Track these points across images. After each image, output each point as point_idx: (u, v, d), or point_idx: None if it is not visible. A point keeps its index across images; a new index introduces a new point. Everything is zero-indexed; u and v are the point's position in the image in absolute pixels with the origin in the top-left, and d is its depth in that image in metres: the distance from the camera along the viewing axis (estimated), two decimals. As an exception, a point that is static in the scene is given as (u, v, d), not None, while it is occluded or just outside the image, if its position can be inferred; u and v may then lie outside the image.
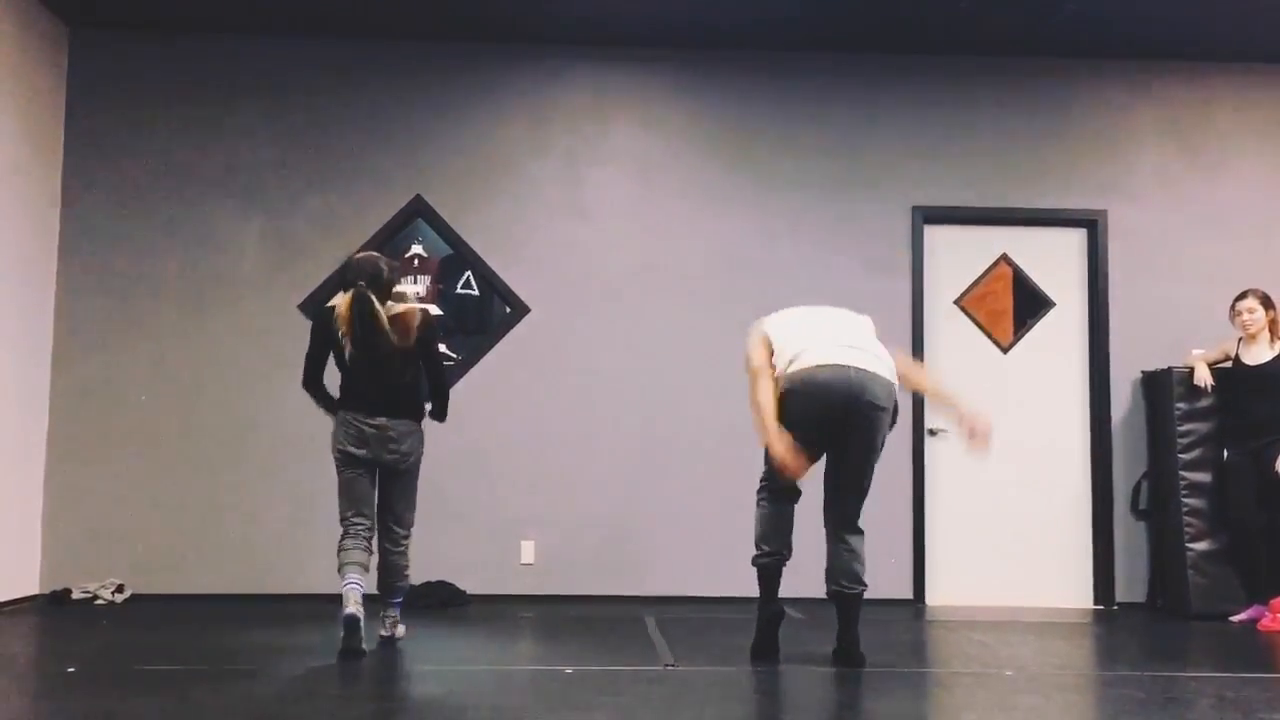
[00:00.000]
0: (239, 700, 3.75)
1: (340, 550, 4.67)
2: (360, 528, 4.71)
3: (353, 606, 4.47)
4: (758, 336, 4.51)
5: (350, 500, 4.74)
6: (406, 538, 4.86)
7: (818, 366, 4.25)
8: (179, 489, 6.33)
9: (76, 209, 6.44)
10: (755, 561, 4.49)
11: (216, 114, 6.55)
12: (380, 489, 4.82)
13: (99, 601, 5.99)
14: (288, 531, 6.27)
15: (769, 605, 4.51)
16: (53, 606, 5.92)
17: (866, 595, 4.45)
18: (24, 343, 6.09)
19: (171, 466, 6.35)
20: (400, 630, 4.89)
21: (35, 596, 6.14)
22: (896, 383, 4.36)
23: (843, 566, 4.37)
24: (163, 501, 6.32)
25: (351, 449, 4.69)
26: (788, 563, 4.49)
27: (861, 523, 4.43)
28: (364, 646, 4.44)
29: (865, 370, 4.25)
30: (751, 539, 4.54)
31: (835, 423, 4.28)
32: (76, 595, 6.03)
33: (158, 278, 6.45)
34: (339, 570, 4.62)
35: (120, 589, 6.11)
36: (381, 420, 4.68)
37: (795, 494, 4.51)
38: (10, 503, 5.97)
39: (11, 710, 3.71)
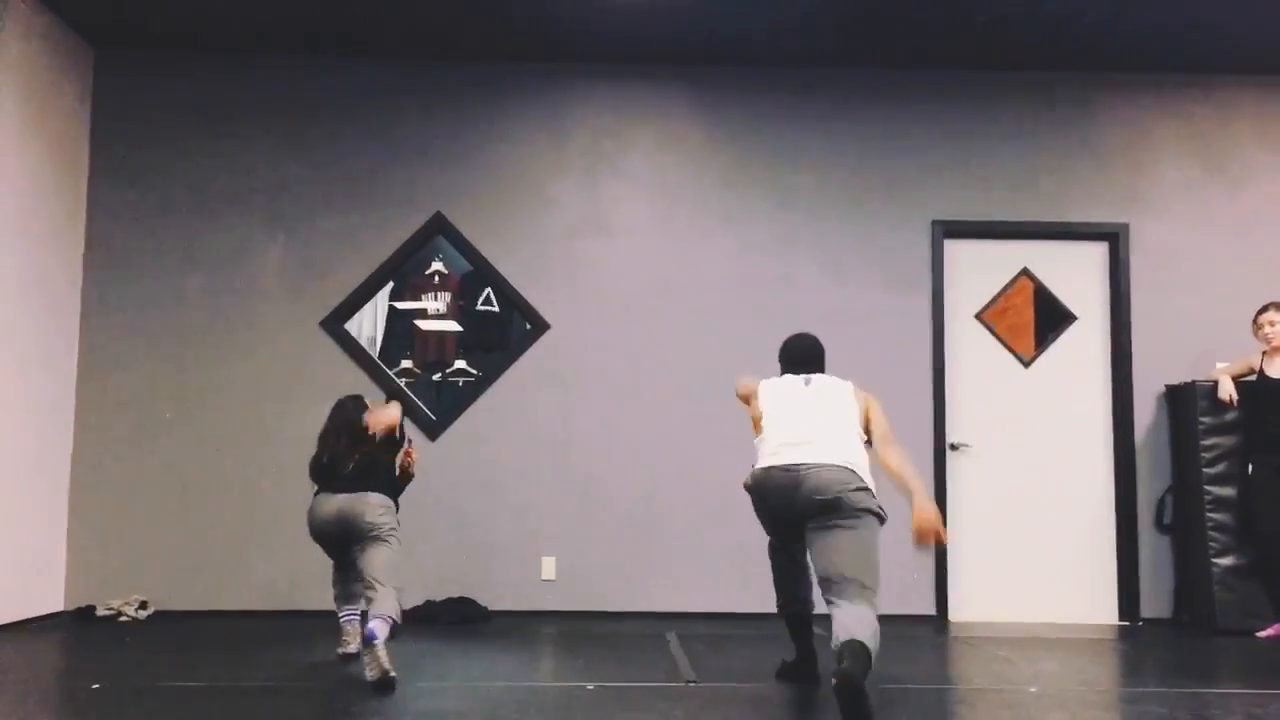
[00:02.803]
0: (261, 716, 3.77)
1: (333, 582, 5.00)
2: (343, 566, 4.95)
3: (354, 644, 4.78)
4: (747, 391, 4.44)
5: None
6: (381, 586, 4.52)
7: (770, 468, 4.12)
8: (202, 506, 6.37)
9: (101, 227, 6.51)
10: (779, 613, 4.47)
11: (239, 133, 6.61)
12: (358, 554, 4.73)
13: (123, 618, 6.02)
14: (310, 548, 6.25)
15: (804, 664, 4.42)
16: (77, 623, 5.96)
17: (890, 610, 4.40)
18: (48, 360, 6.15)
19: (194, 483, 6.38)
20: (377, 639, 4.23)
21: (60, 613, 6.18)
22: (861, 469, 4.03)
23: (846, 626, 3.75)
24: (186, 518, 6.35)
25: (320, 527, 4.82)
26: (813, 610, 4.38)
27: (871, 601, 3.85)
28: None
29: (815, 464, 4.01)
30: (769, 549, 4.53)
31: (791, 521, 4.09)
32: (100, 612, 6.06)
33: (181, 295, 6.50)
34: (334, 600, 4.98)
35: (144, 605, 6.14)
36: (349, 495, 4.73)
37: (795, 542, 4.26)
38: (35, 520, 6.01)
39: (37, 726, 3.74)
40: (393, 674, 4.18)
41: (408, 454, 5.01)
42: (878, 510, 4.00)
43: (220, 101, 6.63)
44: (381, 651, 4.19)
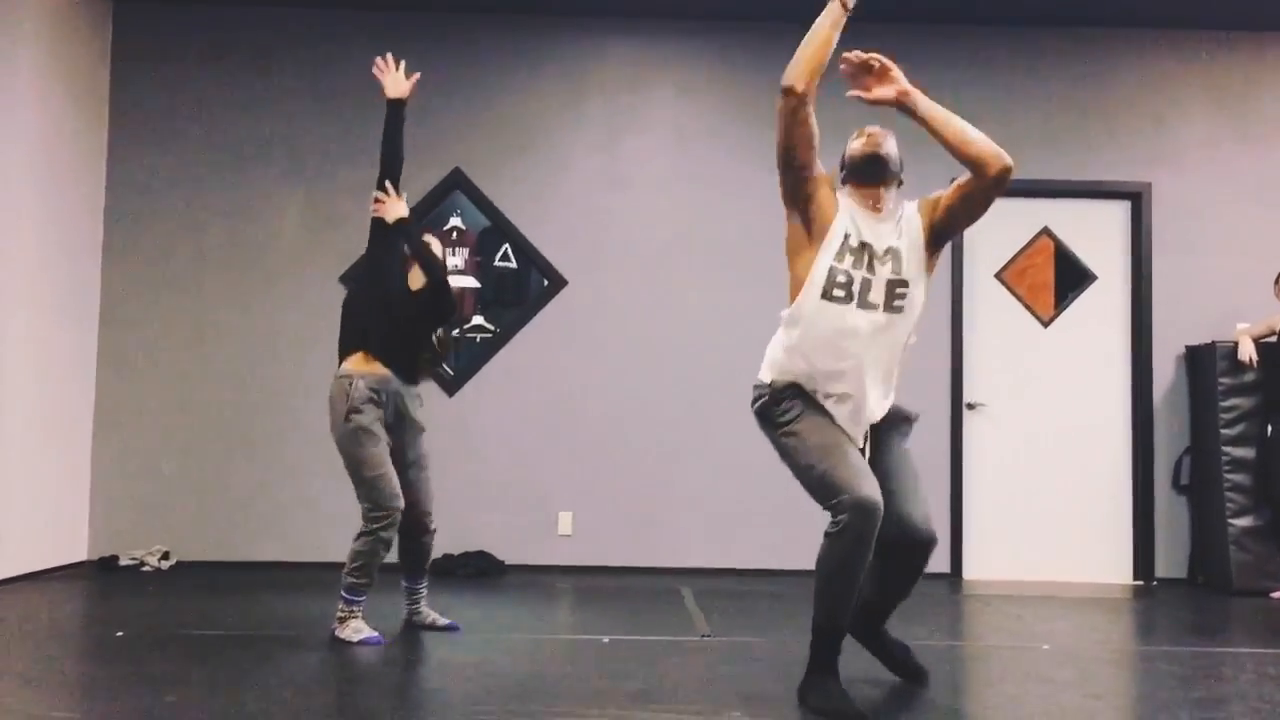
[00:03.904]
0: (281, 665, 3.82)
1: None
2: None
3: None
4: None
5: None
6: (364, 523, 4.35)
7: None
8: (223, 457, 6.42)
9: (121, 179, 6.52)
10: None
11: (258, 85, 6.59)
12: None
13: (145, 568, 6.10)
14: (331, 499, 6.33)
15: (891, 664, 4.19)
16: (101, 573, 6.04)
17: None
18: (70, 312, 6.19)
19: (216, 435, 6.44)
20: (336, 627, 4.24)
21: (84, 563, 6.26)
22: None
23: None
24: (208, 469, 6.41)
25: None
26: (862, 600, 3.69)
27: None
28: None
29: None
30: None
31: None
32: (124, 562, 6.14)
33: (201, 248, 6.52)
34: None
35: (166, 556, 6.22)
36: None
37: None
38: (59, 471, 6.08)
39: (63, 672, 3.80)
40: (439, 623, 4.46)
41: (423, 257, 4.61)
42: (754, 409, 3.73)
43: (239, 53, 6.61)
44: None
